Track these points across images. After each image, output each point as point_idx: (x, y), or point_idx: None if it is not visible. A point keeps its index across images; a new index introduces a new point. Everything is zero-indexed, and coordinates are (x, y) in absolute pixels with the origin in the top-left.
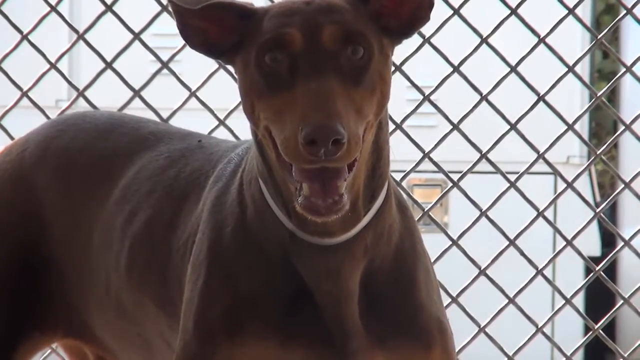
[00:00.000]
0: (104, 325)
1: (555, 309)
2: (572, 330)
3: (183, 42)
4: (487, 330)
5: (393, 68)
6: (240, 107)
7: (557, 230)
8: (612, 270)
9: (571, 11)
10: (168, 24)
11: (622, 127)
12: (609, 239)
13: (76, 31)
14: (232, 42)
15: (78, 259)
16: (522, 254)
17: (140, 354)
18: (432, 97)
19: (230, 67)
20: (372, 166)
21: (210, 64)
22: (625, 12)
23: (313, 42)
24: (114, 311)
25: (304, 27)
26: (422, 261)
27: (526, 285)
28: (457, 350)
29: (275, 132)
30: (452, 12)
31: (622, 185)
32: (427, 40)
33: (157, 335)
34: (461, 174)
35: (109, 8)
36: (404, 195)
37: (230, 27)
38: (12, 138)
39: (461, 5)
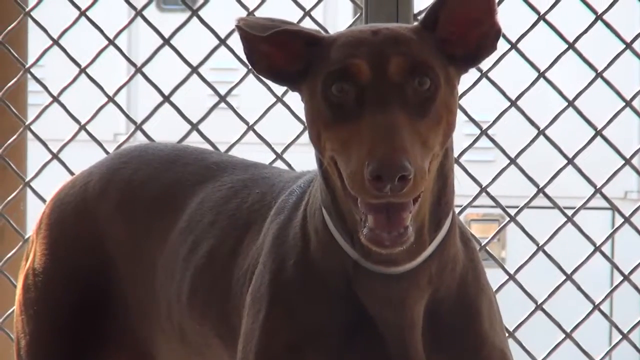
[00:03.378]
0: (169, 355)
1: (613, 343)
2: None
3: (240, 76)
4: None
5: None
6: (298, 140)
7: (614, 265)
8: None
9: (629, 45)
10: (226, 58)
11: None
12: None
13: (134, 64)
14: (298, 68)
15: (142, 290)
16: (579, 288)
17: None
18: (489, 132)
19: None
20: (437, 193)
21: (268, 98)
22: None
23: (380, 74)
24: (177, 341)
25: (371, 58)
26: (486, 293)
27: (583, 320)
28: None
29: (342, 165)
30: (509, 46)
31: None
32: (484, 75)
33: None
34: (518, 208)
35: (166, 42)
36: None
37: (296, 53)
38: (70, 171)
39: (519, 40)
